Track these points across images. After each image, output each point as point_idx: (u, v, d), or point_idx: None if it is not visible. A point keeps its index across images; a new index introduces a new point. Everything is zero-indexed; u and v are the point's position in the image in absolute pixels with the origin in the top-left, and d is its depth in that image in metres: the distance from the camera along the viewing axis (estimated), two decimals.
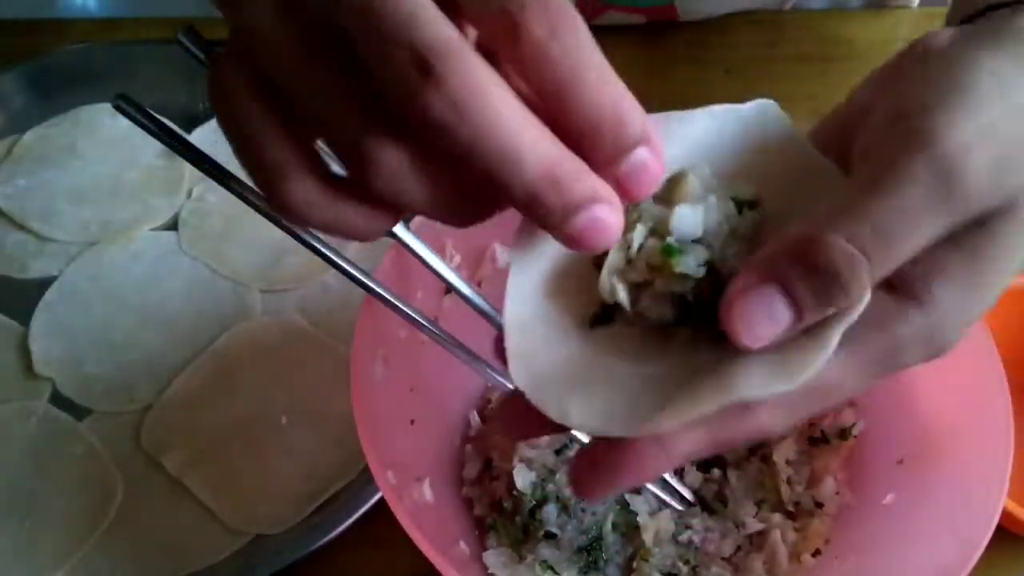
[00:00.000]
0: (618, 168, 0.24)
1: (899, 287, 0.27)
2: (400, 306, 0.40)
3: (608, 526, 0.45)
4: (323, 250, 0.40)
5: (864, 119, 0.28)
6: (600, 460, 0.27)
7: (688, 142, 0.30)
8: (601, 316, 0.29)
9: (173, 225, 0.64)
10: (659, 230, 0.27)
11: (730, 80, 0.72)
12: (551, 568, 0.44)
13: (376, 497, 0.49)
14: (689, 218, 0.27)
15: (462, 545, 0.44)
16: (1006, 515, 0.45)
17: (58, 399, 0.56)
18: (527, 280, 0.29)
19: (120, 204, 0.65)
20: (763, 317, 0.25)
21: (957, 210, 0.25)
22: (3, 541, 0.50)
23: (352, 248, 0.63)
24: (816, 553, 0.45)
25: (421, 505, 0.42)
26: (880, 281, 0.25)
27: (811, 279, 0.25)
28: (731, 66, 0.72)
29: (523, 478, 0.46)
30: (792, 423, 0.28)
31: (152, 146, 0.67)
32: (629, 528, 0.45)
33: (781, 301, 0.25)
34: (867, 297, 0.25)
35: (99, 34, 0.75)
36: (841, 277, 0.24)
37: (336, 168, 0.27)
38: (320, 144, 0.27)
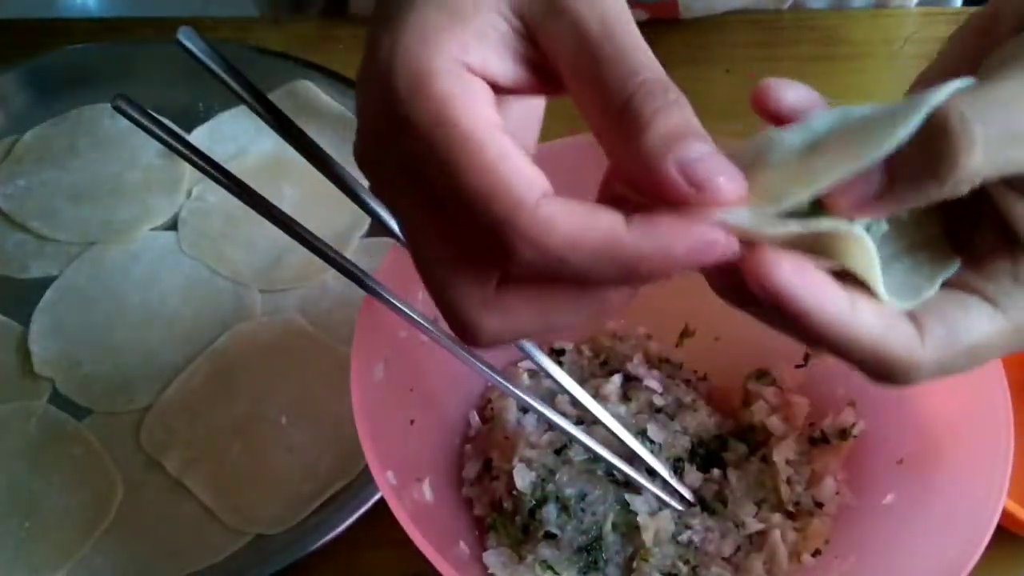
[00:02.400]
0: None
1: None
2: (400, 306, 0.40)
3: (608, 526, 0.45)
4: (323, 250, 0.40)
5: (995, 28, 0.29)
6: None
7: None
8: None
9: (173, 225, 0.64)
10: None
11: (730, 80, 0.71)
12: (551, 568, 0.44)
13: (376, 497, 0.49)
14: None
15: (462, 545, 0.44)
16: (1006, 515, 0.45)
17: (58, 399, 0.56)
18: None
19: (120, 204, 0.65)
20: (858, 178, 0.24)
21: None
22: (3, 541, 0.50)
23: (352, 248, 0.63)
24: (816, 553, 0.45)
25: (421, 505, 0.42)
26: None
27: (919, 145, 0.24)
28: (731, 66, 0.72)
29: (523, 478, 0.46)
30: (941, 378, 0.27)
31: (152, 146, 0.67)
32: (629, 528, 0.45)
33: (880, 170, 0.24)
34: (974, 172, 0.23)
35: (99, 34, 0.75)
36: (952, 131, 0.23)
37: None
38: None
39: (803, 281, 0.25)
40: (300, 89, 0.69)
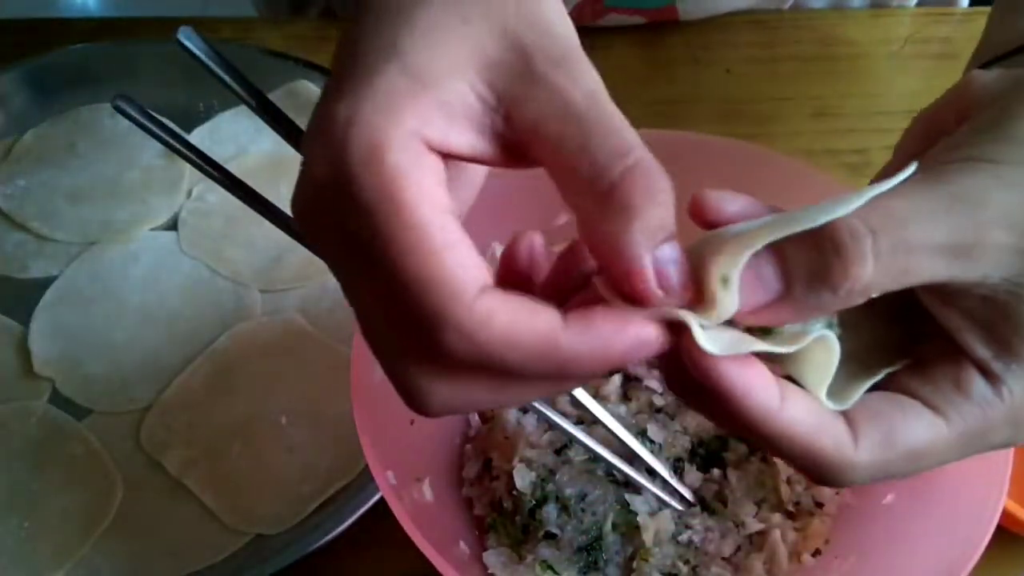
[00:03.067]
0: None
1: (989, 373, 0.27)
2: None
3: (608, 526, 0.45)
4: None
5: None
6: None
7: None
8: None
9: (173, 225, 0.64)
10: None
11: (731, 80, 0.72)
12: (551, 568, 0.44)
13: (376, 497, 0.49)
14: None
15: (462, 545, 0.44)
16: (1006, 515, 0.45)
17: (58, 399, 0.56)
18: None
19: (120, 204, 0.65)
20: (751, 276, 0.25)
21: (969, 226, 0.25)
22: (3, 541, 0.50)
23: None
24: (816, 553, 0.45)
25: (421, 505, 0.42)
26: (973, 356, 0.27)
27: (810, 249, 0.25)
28: (731, 66, 0.72)
29: (523, 478, 0.46)
30: (882, 481, 0.28)
31: (152, 146, 0.67)
32: (629, 528, 0.45)
33: (771, 265, 0.25)
34: (868, 283, 0.24)
35: (99, 34, 0.75)
36: (843, 253, 0.24)
37: None
38: None
39: (736, 365, 0.25)
40: (300, 89, 0.69)
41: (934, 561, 0.38)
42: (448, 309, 0.23)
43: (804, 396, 0.26)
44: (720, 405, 0.25)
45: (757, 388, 0.25)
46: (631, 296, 0.24)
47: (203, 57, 0.35)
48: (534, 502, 0.45)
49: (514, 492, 0.46)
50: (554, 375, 0.24)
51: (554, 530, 0.45)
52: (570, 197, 0.25)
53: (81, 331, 0.59)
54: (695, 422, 0.49)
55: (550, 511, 0.45)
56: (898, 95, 0.72)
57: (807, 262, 0.25)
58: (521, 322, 0.23)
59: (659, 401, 0.50)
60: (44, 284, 0.61)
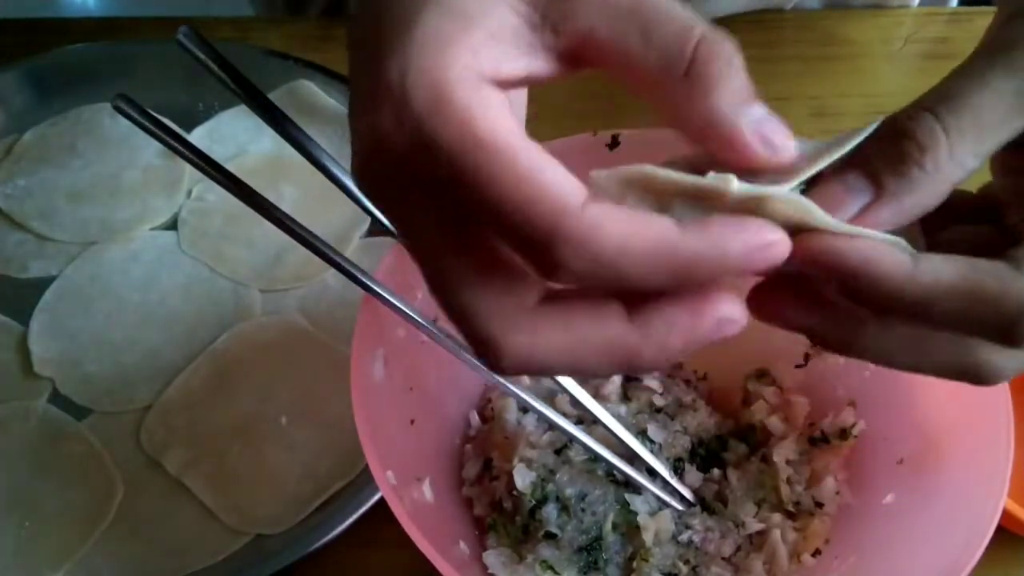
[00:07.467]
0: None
1: None
2: (400, 306, 0.40)
3: (608, 526, 0.45)
4: (323, 250, 0.41)
5: None
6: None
7: None
8: None
9: (173, 225, 0.64)
10: None
11: None
12: (551, 568, 0.44)
13: (376, 497, 0.49)
14: None
15: (462, 545, 0.44)
16: (1006, 515, 0.45)
17: (58, 399, 0.56)
18: None
19: (120, 204, 0.65)
20: (839, 188, 0.25)
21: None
22: (3, 541, 0.50)
23: (352, 248, 0.63)
24: (816, 553, 0.45)
25: (421, 505, 0.42)
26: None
27: (881, 145, 0.25)
28: None
29: (523, 478, 0.46)
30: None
31: (152, 146, 0.67)
32: (629, 528, 0.45)
33: (855, 173, 0.26)
34: (951, 152, 0.24)
35: (99, 34, 0.75)
36: (910, 132, 0.25)
37: None
38: None
39: (854, 241, 0.25)
40: (300, 89, 0.69)
41: (934, 561, 0.38)
42: (558, 222, 0.23)
43: (933, 254, 0.25)
44: (854, 287, 0.25)
45: (884, 252, 0.25)
46: (741, 165, 0.25)
47: (203, 57, 0.35)
48: (534, 502, 0.45)
49: (514, 492, 0.46)
50: (670, 280, 0.24)
51: (554, 530, 0.45)
52: (642, 89, 0.25)
53: (81, 331, 0.59)
54: (695, 422, 0.49)
55: (550, 511, 0.45)
56: (898, 95, 0.71)
57: (884, 155, 0.25)
58: (635, 227, 0.23)
59: (659, 401, 0.50)
60: (44, 284, 0.61)
